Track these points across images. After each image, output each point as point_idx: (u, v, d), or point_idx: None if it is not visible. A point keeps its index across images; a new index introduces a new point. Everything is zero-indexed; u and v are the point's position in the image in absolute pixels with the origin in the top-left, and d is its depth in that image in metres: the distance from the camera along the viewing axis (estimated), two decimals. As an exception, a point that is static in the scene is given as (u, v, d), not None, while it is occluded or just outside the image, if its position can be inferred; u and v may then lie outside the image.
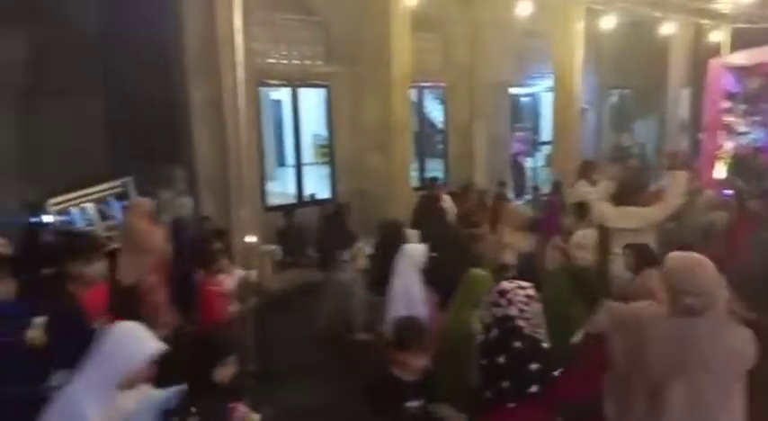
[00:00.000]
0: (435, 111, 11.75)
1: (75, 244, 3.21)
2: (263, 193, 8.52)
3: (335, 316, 5.98)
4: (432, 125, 11.81)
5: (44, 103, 8.72)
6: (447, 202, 7.52)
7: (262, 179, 8.47)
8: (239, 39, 5.72)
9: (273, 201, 8.95)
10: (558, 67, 9.95)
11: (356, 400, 2.79)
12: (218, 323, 4.43)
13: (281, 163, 12.22)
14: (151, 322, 4.90)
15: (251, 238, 5.37)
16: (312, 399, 4.65)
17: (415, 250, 4.27)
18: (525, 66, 11.45)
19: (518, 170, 11.84)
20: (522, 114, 13.16)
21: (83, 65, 8.90)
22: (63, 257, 3.00)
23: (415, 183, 9.49)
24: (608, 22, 10.17)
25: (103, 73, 9.14)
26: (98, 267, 3.06)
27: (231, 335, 2.91)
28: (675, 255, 2.47)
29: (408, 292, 4.03)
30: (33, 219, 6.92)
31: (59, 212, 6.87)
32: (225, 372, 2.49)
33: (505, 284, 2.83)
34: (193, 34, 7.27)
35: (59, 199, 6.84)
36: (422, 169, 10.58)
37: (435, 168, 11.03)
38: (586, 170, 7.01)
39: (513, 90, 11.76)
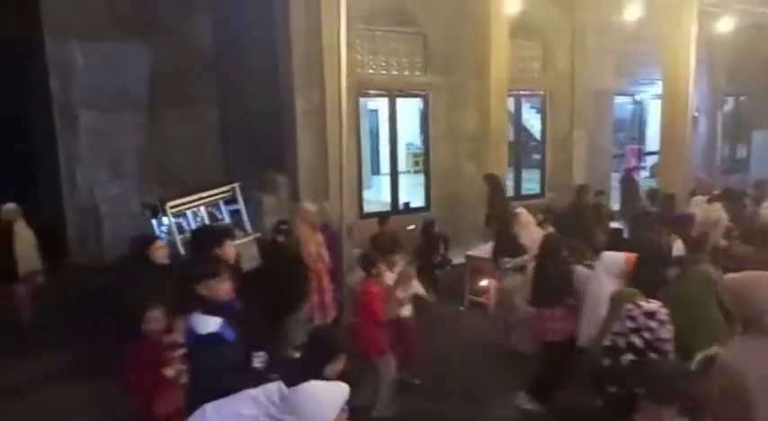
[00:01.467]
0: (533, 121, 11.51)
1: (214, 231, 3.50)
2: (359, 201, 8.73)
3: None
4: (529, 135, 11.58)
5: (168, 114, 9.56)
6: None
7: (359, 187, 8.68)
8: (343, 51, 5.94)
9: (368, 208, 9.14)
10: (667, 72, 9.42)
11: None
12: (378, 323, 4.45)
13: (376, 171, 12.49)
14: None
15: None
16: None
17: (614, 257, 4.41)
18: (630, 72, 10.95)
19: (630, 185, 10.44)
20: (627, 123, 12.58)
21: (201, 79, 9.67)
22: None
23: (510, 193, 9.34)
24: (724, 25, 9.53)
25: (219, 86, 9.85)
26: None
27: (339, 334, 2.99)
28: (741, 277, 2.35)
29: (600, 298, 4.08)
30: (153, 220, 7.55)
31: (175, 214, 7.38)
32: (335, 368, 2.59)
33: (652, 306, 2.83)
34: (300, 48, 7.63)
35: (176, 202, 7.36)
36: (517, 179, 10.40)
37: (531, 178, 10.80)
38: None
39: (616, 98, 11.28)
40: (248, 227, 7.95)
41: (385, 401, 4.54)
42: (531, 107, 11.48)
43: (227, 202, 8.01)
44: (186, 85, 9.51)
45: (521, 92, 10.05)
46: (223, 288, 2.87)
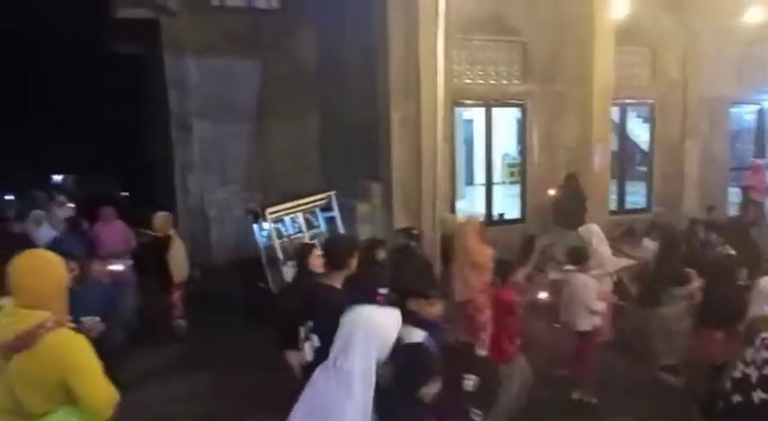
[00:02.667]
0: (639, 130, 10.89)
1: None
2: (453, 211, 8.66)
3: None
4: (634, 145, 10.96)
5: (272, 124, 10.09)
6: None
7: (453, 197, 8.62)
8: (440, 61, 5.97)
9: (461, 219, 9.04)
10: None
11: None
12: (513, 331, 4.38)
13: (470, 181, 12.35)
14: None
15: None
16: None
17: None
18: (752, 78, 10.06)
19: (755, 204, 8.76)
20: (745, 133, 11.56)
21: (304, 90, 10.12)
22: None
23: (613, 206, 8.87)
24: None
25: (320, 97, 10.25)
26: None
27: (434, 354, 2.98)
28: None
29: None
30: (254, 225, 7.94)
31: (274, 220, 7.72)
32: (430, 391, 2.56)
33: None
34: (397, 58, 7.74)
35: (275, 208, 7.69)
36: (621, 191, 9.86)
37: (636, 191, 10.20)
38: None
39: (736, 106, 10.41)
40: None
41: (501, 413, 4.35)
42: (638, 116, 10.85)
43: (323, 210, 8.25)
44: (290, 96, 9.99)
45: (627, 100, 9.53)
46: (433, 309, 3.03)
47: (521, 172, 9.47)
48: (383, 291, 4.54)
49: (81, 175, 23.88)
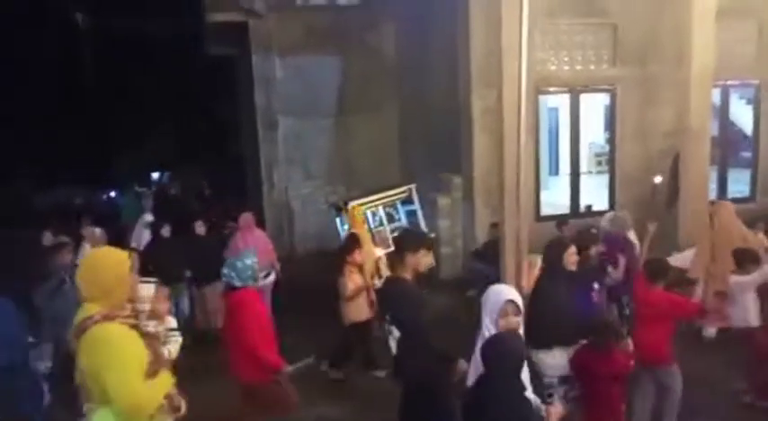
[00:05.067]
0: (743, 114, 10.05)
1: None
2: (536, 203, 8.42)
3: None
4: (737, 130, 10.14)
5: (354, 119, 10.27)
6: None
7: (536, 188, 8.37)
8: (524, 47, 5.77)
9: (546, 210, 8.77)
10: None
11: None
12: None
13: (554, 172, 11.93)
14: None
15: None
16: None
17: None
18: None
19: None
20: None
21: (385, 84, 10.22)
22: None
23: (713, 195, 8.25)
24: None
25: (401, 90, 10.29)
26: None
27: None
28: None
29: None
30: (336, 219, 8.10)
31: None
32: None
33: None
34: (479, 47, 7.61)
35: (356, 202, 7.80)
36: (722, 180, 9.16)
37: (739, 179, 9.44)
38: None
39: None
40: (424, 227, 8.13)
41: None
42: (741, 98, 10.01)
43: (403, 203, 8.28)
44: (371, 90, 10.12)
45: (728, 82, 8.82)
46: None
47: (609, 161, 9.02)
48: (596, 286, 4.52)
49: (175, 171, 25.40)
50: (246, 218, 7.10)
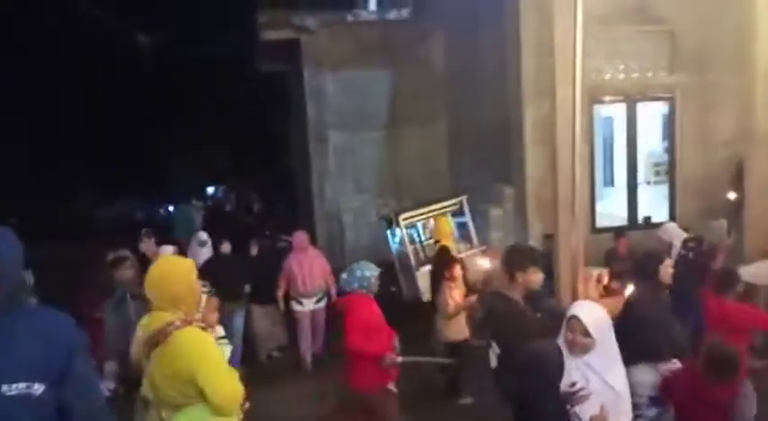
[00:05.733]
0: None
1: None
2: (592, 214, 8.21)
3: None
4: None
5: (403, 131, 10.34)
6: None
7: (592, 199, 8.17)
8: (578, 56, 5.67)
9: (601, 222, 8.54)
10: None
11: None
12: None
13: (609, 182, 11.61)
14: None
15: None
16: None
17: None
18: None
19: None
20: None
21: (434, 96, 10.26)
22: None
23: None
24: None
25: (450, 101, 10.30)
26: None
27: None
28: None
29: None
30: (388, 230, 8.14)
31: (407, 226, 7.85)
32: None
33: None
34: (530, 57, 7.53)
35: (408, 214, 7.83)
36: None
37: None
38: None
39: None
40: (475, 239, 8.07)
41: None
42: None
43: (454, 214, 8.25)
44: (420, 103, 10.18)
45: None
46: None
47: (668, 171, 8.72)
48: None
49: (229, 185, 26.17)
50: (300, 237, 6.83)
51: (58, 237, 14.71)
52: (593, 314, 2.84)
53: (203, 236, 7.81)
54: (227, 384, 2.43)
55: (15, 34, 21.47)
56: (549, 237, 6.67)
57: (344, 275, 4.11)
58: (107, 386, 4.28)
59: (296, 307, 6.68)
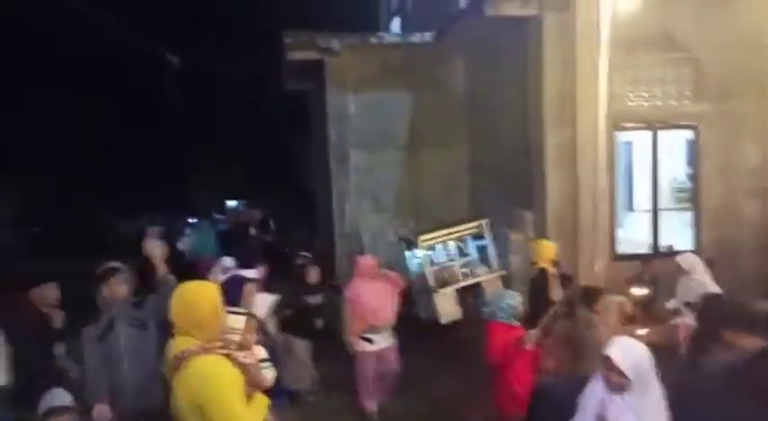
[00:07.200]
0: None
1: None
2: (612, 241, 8.14)
3: None
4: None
5: (423, 152, 10.39)
6: None
7: (612, 226, 8.11)
8: (601, 83, 5.72)
9: (622, 248, 8.45)
10: None
11: None
12: None
13: (629, 207, 11.51)
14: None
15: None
16: None
17: None
18: None
19: None
20: None
21: (454, 118, 10.32)
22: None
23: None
24: None
25: (470, 124, 10.34)
26: None
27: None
28: None
29: None
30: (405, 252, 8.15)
31: (427, 248, 7.86)
32: None
33: None
34: (552, 82, 7.57)
35: (427, 236, 7.84)
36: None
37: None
38: None
39: None
40: (495, 263, 8.04)
41: None
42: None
43: (474, 237, 8.24)
44: (441, 125, 10.24)
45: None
46: None
47: (692, 198, 8.63)
48: None
49: (249, 201, 26.47)
50: (366, 263, 5.94)
51: (81, 250, 14.95)
52: (629, 353, 2.72)
53: (228, 261, 7.29)
54: (238, 418, 2.33)
55: (56, 56, 22.37)
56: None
57: (486, 307, 4.12)
58: None
59: (364, 346, 5.61)
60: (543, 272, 5.70)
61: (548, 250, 5.93)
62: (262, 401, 2.58)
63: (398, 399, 5.89)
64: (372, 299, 5.55)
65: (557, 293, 5.29)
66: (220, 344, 2.53)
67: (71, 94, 23.07)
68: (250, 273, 5.57)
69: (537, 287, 5.41)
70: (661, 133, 8.37)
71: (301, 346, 6.13)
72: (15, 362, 3.96)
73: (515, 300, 4.10)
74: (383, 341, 5.62)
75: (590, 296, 4.82)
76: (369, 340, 5.56)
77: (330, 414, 5.92)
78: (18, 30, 20.59)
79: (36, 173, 23.56)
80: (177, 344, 2.48)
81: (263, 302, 5.14)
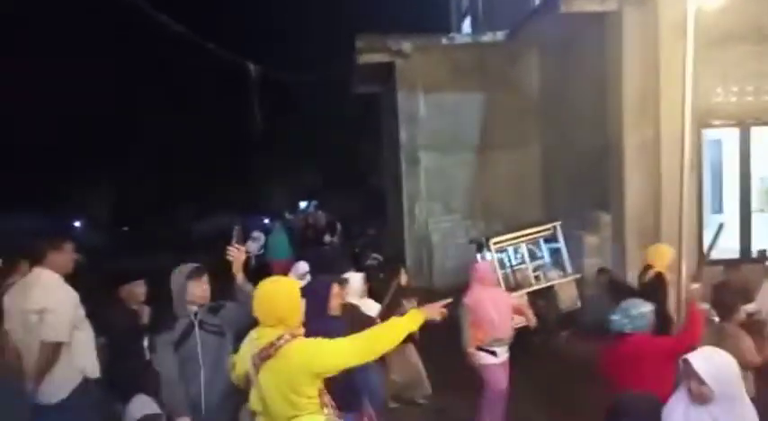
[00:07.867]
0: None
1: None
2: (699, 245, 7.69)
3: None
4: None
5: (494, 154, 10.26)
6: None
7: (699, 229, 7.66)
8: (688, 80, 5.42)
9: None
10: None
11: None
12: None
13: (717, 210, 10.85)
14: None
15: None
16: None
17: None
18: None
19: None
20: None
21: (526, 120, 10.13)
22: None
23: None
24: None
25: (543, 125, 10.11)
26: None
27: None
28: None
29: None
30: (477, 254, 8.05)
31: (498, 250, 7.73)
32: None
33: None
34: (633, 81, 7.29)
35: (499, 238, 7.71)
36: None
37: None
38: None
39: None
40: (568, 266, 7.80)
41: None
42: None
43: (547, 240, 8.03)
44: (513, 126, 10.08)
45: None
46: None
47: (787, 200, 8.02)
48: None
49: (321, 202, 27.06)
50: (484, 269, 5.45)
51: (161, 248, 15.84)
52: (712, 361, 2.58)
53: (303, 267, 7.18)
54: (347, 350, 2.61)
55: (135, 66, 24.01)
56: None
57: (617, 316, 3.71)
58: None
59: (487, 359, 5.01)
60: (660, 277, 5.43)
61: (667, 255, 5.66)
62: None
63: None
64: (491, 307, 5.00)
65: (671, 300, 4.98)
66: (302, 331, 2.72)
67: (158, 106, 24.73)
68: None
69: (651, 293, 4.98)
70: (753, 130, 7.84)
71: (410, 349, 5.77)
72: (107, 356, 4.23)
73: (647, 307, 3.74)
74: (504, 353, 5.08)
75: (725, 306, 4.49)
76: (492, 353, 5.00)
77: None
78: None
79: (130, 178, 25.35)
80: (262, 334, 2.67)
81: (368, 307, 5.13)
